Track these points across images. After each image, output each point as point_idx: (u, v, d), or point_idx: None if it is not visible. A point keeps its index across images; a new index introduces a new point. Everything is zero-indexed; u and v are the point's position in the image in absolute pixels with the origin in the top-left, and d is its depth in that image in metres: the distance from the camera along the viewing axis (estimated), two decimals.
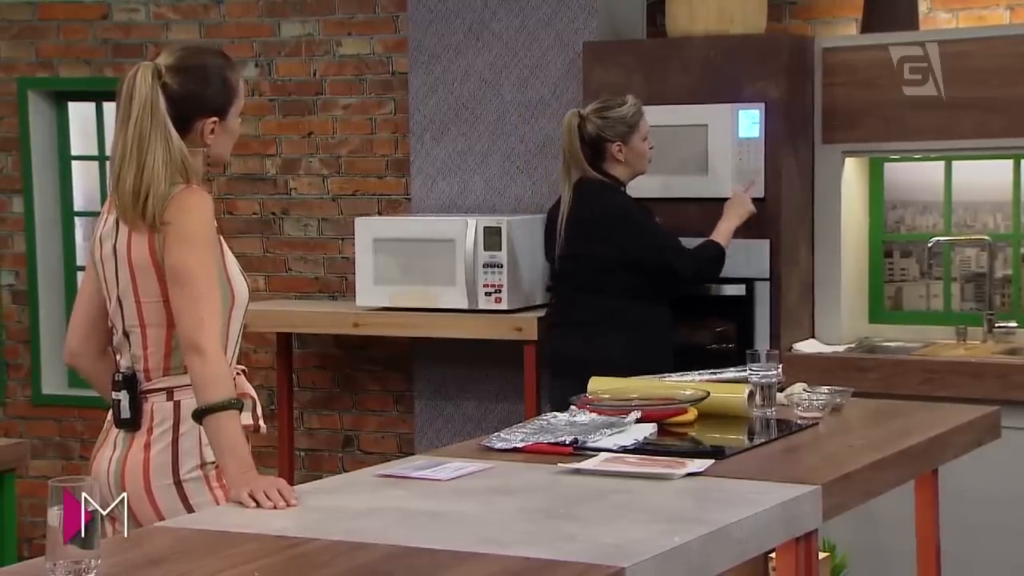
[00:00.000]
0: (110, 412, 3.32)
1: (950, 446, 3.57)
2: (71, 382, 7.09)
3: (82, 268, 7.10)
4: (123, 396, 3.23)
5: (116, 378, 3.26)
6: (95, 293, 3.34)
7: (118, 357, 3.31)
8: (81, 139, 7.08)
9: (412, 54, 6.04)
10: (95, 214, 7.05)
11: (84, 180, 7.11)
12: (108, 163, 3.23)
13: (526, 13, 5.83)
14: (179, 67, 3.21)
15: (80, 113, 7.07)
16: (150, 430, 3.23)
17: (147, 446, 3.22)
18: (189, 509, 3.17)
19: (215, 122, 3.23)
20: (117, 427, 3.27)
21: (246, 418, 3.25)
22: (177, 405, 3.22)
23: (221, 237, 3.26)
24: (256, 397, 3.36)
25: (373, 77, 6.41)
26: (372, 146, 6.44)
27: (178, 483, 3.21)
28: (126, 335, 3.26)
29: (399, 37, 6.31)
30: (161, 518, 3.13)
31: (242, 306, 3.28)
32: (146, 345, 3.23)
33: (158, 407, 3.23)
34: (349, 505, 2.73)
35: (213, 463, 3.16)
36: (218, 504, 3.14)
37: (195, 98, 3.21)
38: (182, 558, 2.38)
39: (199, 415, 3.06)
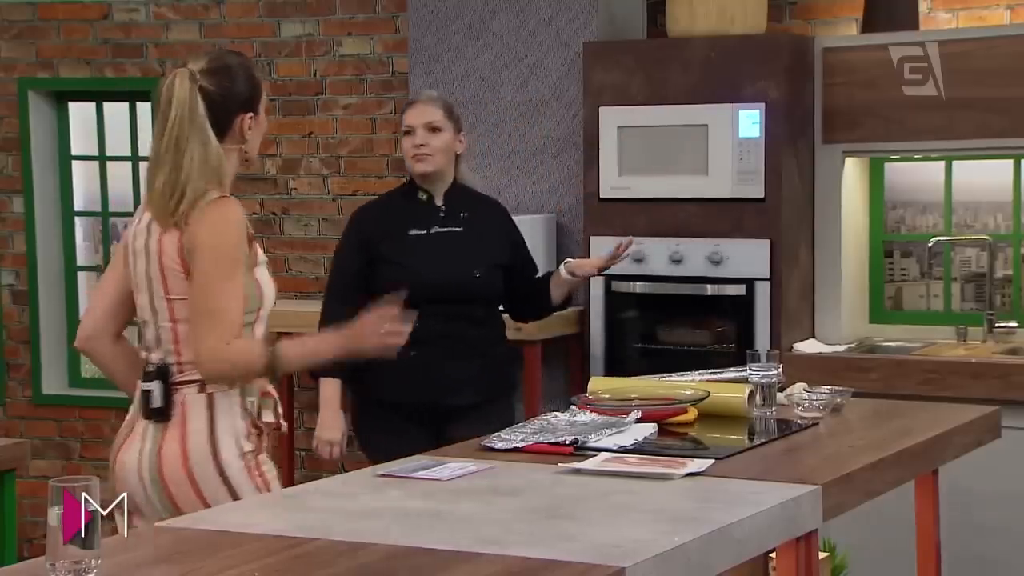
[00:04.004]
0: (132, 406, 3.38)
1: (950, 446, 3.57)
2: (71, 382, 7.09)
3: (82, 268, 7.10)
4: (155, 386, 3.30)
5: (147, 368, 3.32)
6: (120, 280, 3.42)
7: (145, 353, 3.37)
8: (81, 139, 7.08)
9: (412, 54, 6.04)
10: (95, 214, 7.09)
11: (84, 180, 7.12)
12: (148, 164, 3.34)
13: (526, 13, 5.83)
14: (211, 69, 3.32)
15: (80, 113, 7.07)
16: (184, 422, 3.29)
17: (183, 437, 3.29)
18: (235, 499, 3.25)
19: (251, 117, 3.36)
20: (145, 418, 3.32)
21: (268, 415, 3.37)
22: (210, 397, 3.29)
23: (255, 242, 3.35)
24: (277, 396, 3.43)
25: (373, 77, 6.42)
26: (372, 146, 6.45)
27: (221, 472, 3.28)
28: (157, 331, 3.33)
29: (399, 37, 6.32)
30: (207, 507, 3.21)
31: (268, 307, 3.38)
32: (177, 340, 3.30)
33: (191, 399, 3.30)
34: (349, 505, 2.73)
35: (252, 451, 3.29)
36: (259, 492, 3.27)
37: (232, 96, 3.32)
38: (182, 558, 2.38)
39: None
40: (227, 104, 3.32)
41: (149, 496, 3.32)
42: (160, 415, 3.30)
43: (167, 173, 3.25)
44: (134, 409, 3.39)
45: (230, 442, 3.29)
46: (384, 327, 3.34)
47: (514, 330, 4.89)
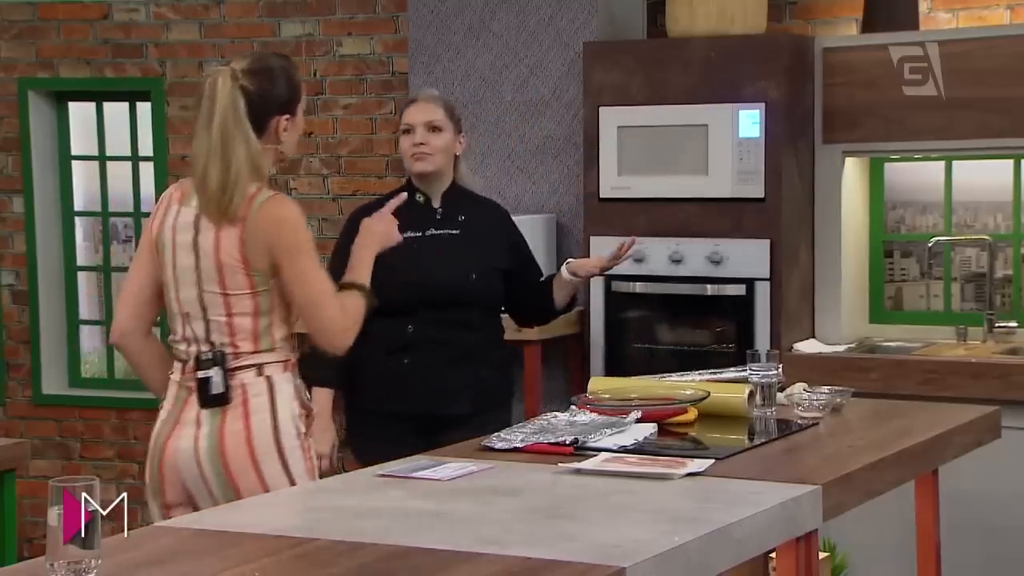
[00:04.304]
0: (170, 399, 3.45)
1: (950, 446, 3.57)
2: (71, 382, 7.09)
3: (82, 268, 7.10)
4: (215, 372, 3.39)
5: (203, 357, 3.40)
6: (150, 275, 3.50)
7: (184, 346, 3.44)
8: (81, 139, 7.08)
9: (412, 54, 6.04)
10: (95, 214, 7.08)
11: (84, 180, 7.12)
12: (193, 159, 3.43)
13: (526, 13, 5.83)
14: (252, 70, 3.44)
15: (80, 113, 7.07)
16: (245, 402, 3.39)
17: (245, 416, 3.38)
18: (291, 479, 3.38)
19: (288, 119, 3.48)
20: (202, 406, 3.40)
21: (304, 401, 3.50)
22: (269, 380, 3.41)
23: None
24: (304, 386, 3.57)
25: (373, 77, 6.42)
26: (372, 146, 6.45)
27: (280, 452, 3.39)
28: (207, 324, 3.41)
29: (399, 37, 6.32)
30: (266, 488, 3.33)
31: None
32: (233, 333, 3.41)
33: (250, 381, 3.40)
34: (349, 505, 2.73)
35: (305, 433, 3.43)
36: (310, 474, 3.41)
37: (270, 97, 3.45)
38: (182, 558, 2.38)
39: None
40: (265, 105, 3.43)
41: (207, 481, 3.40)
42: (220, 400, 3.39)
43: (220, 171, 3.35)
44: (174, 401, 3.46)
45: (289, 424, 3.42)
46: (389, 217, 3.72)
47: (514, 331, 4.88)
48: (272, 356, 3.43)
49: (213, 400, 3.39)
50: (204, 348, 3.41)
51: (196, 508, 3.35)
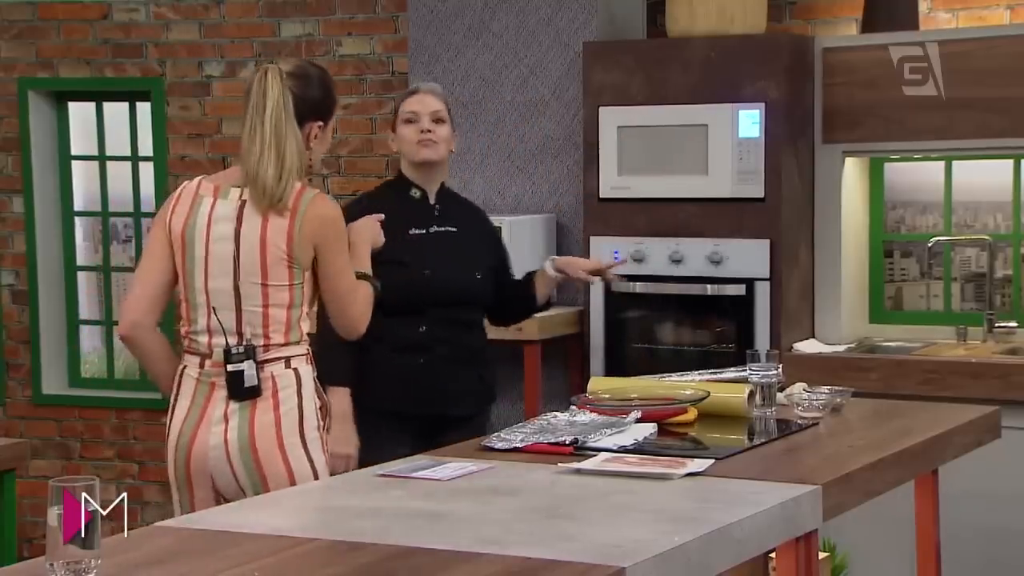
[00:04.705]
0: (189, 395, 3.45)
1: (950, 446, 3.57)
2: (71, 382, 7.09)
3: (82, 268, 7.10)
4: (248, 366, 3.43)
5: (235, 350, 3.43)
6: (166, 268, 3.51)
7: (206, 338, 3.45)
8: (81, 139, 7.08)
9: (412, 54, 6.04)
10: (95, 214, 7.09)
11: (84, 180, 7.12)
12: (245, 151, 3.47)
13: (526, 13, 5.83)
14: (296, 73, 3.54)
15: (80, 113, 7.08)
16: (275, 394, 3.44)
17: (276, 408, 3.43)
18: (314, 470, 3.44)
19: (320, 127, 3.58)
20: (235, 399, 3.43)
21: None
22: (296, 372, 3.47)
23: None
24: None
25: (373, 77, 6.42)
26: (372, 146, 6.45)
27: (304, 443, 3.45)
28: (239, 314, 3.44)
29: (399, 37, 6.32)
30: (292, 479, 3.39)
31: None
32: (267, 324, 3.45)
33: (279, 373, 3.45)
34: (349, 505, 2.73)
35: (324, 427, 3.50)
36: (328, 466, 3.51)
37: (309, 101, 3.54)
38: (182, 558, 2.38)
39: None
40: (304, 108, 3.52)
41: (237, 475, 3.43)
42: (254, 393, 3.42)
43: (274, 162, 3.41)
44: (193, 396, 3.46)
45: (313, 416, 3.48)
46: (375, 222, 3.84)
47: (515, 330, 4.88)
48: (298, 349, 3.49)
49: (246, 393, 3.42)
50: (231, 340, 3.44)
51: (224, 500, 3.41)
